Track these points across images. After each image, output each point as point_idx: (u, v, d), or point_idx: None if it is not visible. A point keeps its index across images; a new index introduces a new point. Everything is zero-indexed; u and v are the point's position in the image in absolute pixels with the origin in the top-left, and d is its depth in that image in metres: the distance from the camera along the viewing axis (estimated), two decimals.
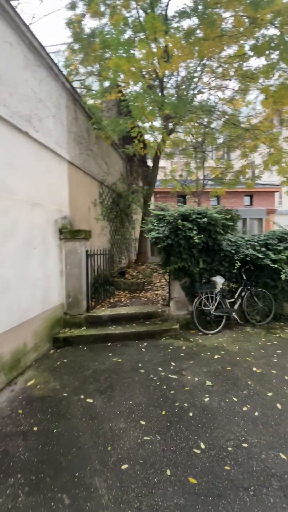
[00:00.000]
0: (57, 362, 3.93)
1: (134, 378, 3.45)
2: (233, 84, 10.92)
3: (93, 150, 6.33)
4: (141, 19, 7.57)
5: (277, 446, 2.35)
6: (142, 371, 3.63)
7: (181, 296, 5.25)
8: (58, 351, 4.30)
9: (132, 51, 6.32)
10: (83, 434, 2.53)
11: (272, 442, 2.41)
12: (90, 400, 3.02)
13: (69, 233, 4.81)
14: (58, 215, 4.72)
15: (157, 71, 7.46)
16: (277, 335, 4.86)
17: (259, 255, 4.97)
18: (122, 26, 7.37)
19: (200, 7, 6.22)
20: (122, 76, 6.42)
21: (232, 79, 8.25)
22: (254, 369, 3.66)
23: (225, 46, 6.72)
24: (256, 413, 2.77)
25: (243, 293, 5.33)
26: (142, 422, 2.66)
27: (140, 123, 6.88)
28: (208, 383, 3.33)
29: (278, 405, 2.90)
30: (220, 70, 8.14)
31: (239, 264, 5.06)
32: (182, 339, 4.71)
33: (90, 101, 7.77)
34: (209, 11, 5.97)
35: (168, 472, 2.11)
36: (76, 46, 8.01)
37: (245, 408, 2.85)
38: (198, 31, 6.36)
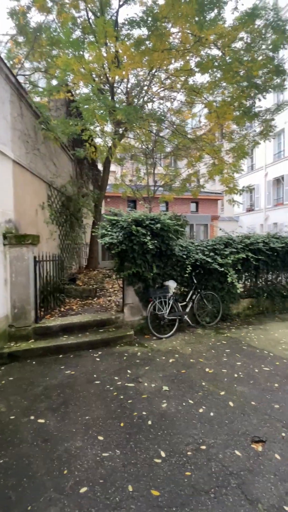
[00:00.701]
0: (2, 381, 3.54)
1: (89, 391, 3.29)
2: (181, 96, 11.46)
3: (41, 150, 5.97)
4: (91, 21, 7.48)
5: (232, 444, 2.45)
6: (98, 382, 3.49)
7: (135, 302, 5.23)
8: (3, 368, 3.89)
9: (81, 52, 6.17)
10: (35, 460, 2.30)
11: (228, 440, 2.50)
12: (42, 420, 2.78)
13: (14, 238, 4.42)
14: (2, 219, 4.31)
15: (108, 75, 7.43)
16: (225, 334, 5.16)
17: (208, 259, 5.24)
18: (70, 26, 7.18)
19: (149, 19, 6.40)
20: (71, 76, 6.20)
21: (180, 91, 8.67)
22: (207, 369, 3.81)
23: (172, 60, 7.02)
24: (212, 414, 2.87)
25: (194, 296, 5.56)
26: (100, 438, 2.53)
27: (91, 127, 6.73)
28: (165, 388, 3.35)
29: (231, 403, 3.05)
30: (168, 81, 8.48)
31: (190, 268, 5.26)
32: (137, 345, 4.68)
33: (36, 99, 7.35)
34: (158, 24, 6.17)
35: (130, 488, 2.03)
36: (21, 39, 7.53)
37: (201, 410, 2.93)
38: (148, 42, 6.52)
